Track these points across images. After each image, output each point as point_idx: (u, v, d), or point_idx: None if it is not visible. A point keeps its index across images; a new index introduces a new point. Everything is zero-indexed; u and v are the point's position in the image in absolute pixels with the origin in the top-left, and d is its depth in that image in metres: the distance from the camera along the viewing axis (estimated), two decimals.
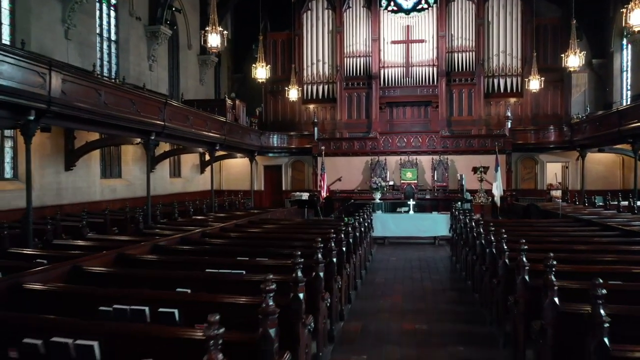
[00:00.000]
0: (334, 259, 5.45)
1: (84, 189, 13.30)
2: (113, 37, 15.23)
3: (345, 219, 10.38)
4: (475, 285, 7.31)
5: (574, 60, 14.45)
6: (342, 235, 6.46)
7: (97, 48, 14.41)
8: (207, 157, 20.09)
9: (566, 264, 5.31)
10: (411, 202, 12.99)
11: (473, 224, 7.88)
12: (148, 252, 6.35)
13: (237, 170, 21.76)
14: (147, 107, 11.24)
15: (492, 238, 6.16)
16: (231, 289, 4.34)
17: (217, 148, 15.84)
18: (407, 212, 13.04)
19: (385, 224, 12.47)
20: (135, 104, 10.64)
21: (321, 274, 4.58)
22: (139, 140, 12.30)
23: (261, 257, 6.09)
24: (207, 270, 5.22)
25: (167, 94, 16.89)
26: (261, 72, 15.92)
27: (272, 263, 5.51)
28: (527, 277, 4.49)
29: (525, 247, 4.65)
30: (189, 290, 4.29)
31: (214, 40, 11.54)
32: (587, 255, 6.08)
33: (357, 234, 8.06)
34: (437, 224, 12.25)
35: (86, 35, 13.48)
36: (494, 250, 6.02)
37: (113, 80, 14.20)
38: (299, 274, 3.65)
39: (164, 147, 16.49)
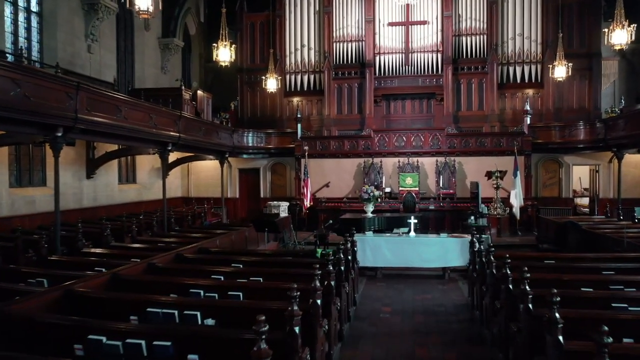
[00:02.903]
0: None
1: None
2: (34, 8, 12.04)
3: (318, 250, 7.20)
4: None
5: (620, 36, 11.23)
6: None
7: (9, 21, 11.26)
8: (171, 159, 16.96)
9: None
10: (412, 221, 9.79)
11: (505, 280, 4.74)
12: None
13: (207, 174, 18.57)
14: (46, 91, 8.06)
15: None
16: None
17: (170, 148, 12.66)
18: (407, 233, 9.86)
19: (377, 251, 9.30)
20: (21, 86, 7.45)
21: None
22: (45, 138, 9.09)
23: None
24: None
25: (112, 82, 13.72)
26: (224, 53, 12.70)
27: None
28: None
29: None
30: None
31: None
32: None
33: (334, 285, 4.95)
34: (448, 252, 9.08)
35: None
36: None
37: (25, 62, 11.06)
38: None
39: (105, 147, 13.32)
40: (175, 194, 18.49)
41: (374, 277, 9.52)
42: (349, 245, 6.60)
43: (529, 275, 3.95)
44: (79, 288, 4.70)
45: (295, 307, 3.36)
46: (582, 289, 5.20)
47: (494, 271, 5.40)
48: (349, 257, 6.43)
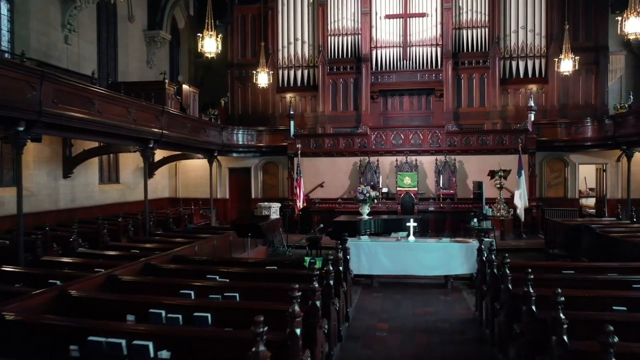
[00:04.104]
0: None
1: None
2: None
3: (306, 259, 6.38)
4: None
5: (635, 24, 10.42)
6: None
7: None
8: (157, 158, 16.11)
9: None
10: (411, 224, 8.96)
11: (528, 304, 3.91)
12: None
13: (196, 174, 17.72)
14: (5, 81, 7.20)
15: None
16: None
17: (152, 146, 11.79)
18: (406, 237, 9.03)
19: (373, 257, 8.46)
20: None
21: None
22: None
23: None
24: None
25: (91, 75, 12.84)
26: (210, 44, 11.83)
27: None
28: None
29: None
30: None
31: None
32: None
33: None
34: (451, 258, 8.25)
35: None
36: None
37: None
38: None
39: (84, 144, 12.46)
40: (162, 195, 17.64)
41: (369, 285, 8.70)
42: (340, 254, 5.76)
43: (562, 299, 3.11)
44: (7, 312, 3.85)
45: (262, 348, 2.52)
46: (614, 307, 4.40)
47: (510, 286, 4.59)
48: (340, 268, 5.61)
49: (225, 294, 5.10)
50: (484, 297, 5.99)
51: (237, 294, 5.05)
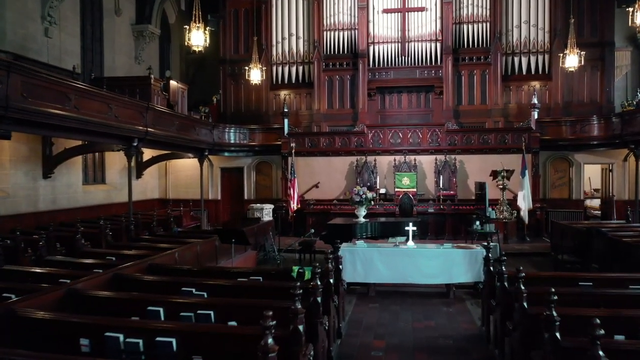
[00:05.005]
0: None
1: None
2: None
3: (295, 269, 5.74)
4: None
5: None
6: None
7: None
8: (146, 157, 15.47)
9: None
10: (410, 228, 8.33)
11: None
12: None
13: (187, 174, 17.06)
14: None
15: None
16: None
17: (136, 144, 11.14)
18: (405, 242, 8.40)
19: (369, 265, 7.83)
20: None
21: None
22: None
23: None
24: None
25: (72, 70, 12.19)
26: (197, 37, 11.17)
27: None
28: None
29: None
30: None
31: None
32: None
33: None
34: (453, 266, 7.61)
35: None
36: None
37: None
38: None
39: (66, 142, 11.81)
40: (151, 196, 16.98)
41: (365, 295, 8.07)
42: (330, 264, 5.13)
43: (601, 332, 2.50)
44: None
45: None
46: None
47: (525, 304, 3.96)
48: (331, 281, 4.98)
49: (199, 311, 4.47)
50: (491, 312, 5.37)
51: (212, 312, 4.42)
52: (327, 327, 4.53)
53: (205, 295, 5.17)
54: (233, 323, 4.38)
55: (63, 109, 8.48)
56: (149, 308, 4.57)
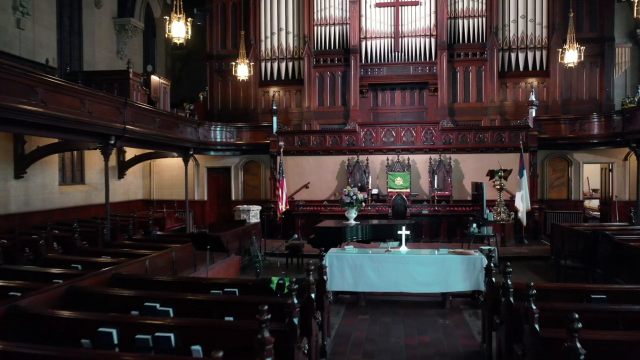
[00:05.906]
0: None
1: None
2: None
3: (274, 280, 5.13)
4: None
5: None
6: None
7: None
8: (129, 156, 14.79)
9: None
10: (403, 232, 7.74)
11: None
12: None
13: (172, 174, 16.41)
14: None
15: None
16: None
17: (113, 142, 10.46)
18: (397, 247, 7.81)
19: (359, 272, 7.24)
20: None
21: None
22: None
23: None
24: None
25: (45, 63, 11.50)
26: (178, 28, 10.51)
27: None
28: None
29: None
30: None
31: None
32: None
33: None
34: (450, 273, 7.03)
35: None
36: None
37: None
38: None
39: (39, 140, 11.12)
40: (135, 197, 16.29)
41: (354, 305, 7.47)
42: (311, 277, 4.52)
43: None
44: None
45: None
46: None
47: (537, 326, 3.38)
48: (313, 296, 4.37)
49: (157, 334, 3.85)
50: (494, 329, 4.79)
51: (172, 335, 3.80)
52: (306, 351, 3.93)
53: (171, 312, 4.55)
54: (197, 348, 3.77)
55: (29, 104, 7.81)
56: (100, 329, 3.95)
